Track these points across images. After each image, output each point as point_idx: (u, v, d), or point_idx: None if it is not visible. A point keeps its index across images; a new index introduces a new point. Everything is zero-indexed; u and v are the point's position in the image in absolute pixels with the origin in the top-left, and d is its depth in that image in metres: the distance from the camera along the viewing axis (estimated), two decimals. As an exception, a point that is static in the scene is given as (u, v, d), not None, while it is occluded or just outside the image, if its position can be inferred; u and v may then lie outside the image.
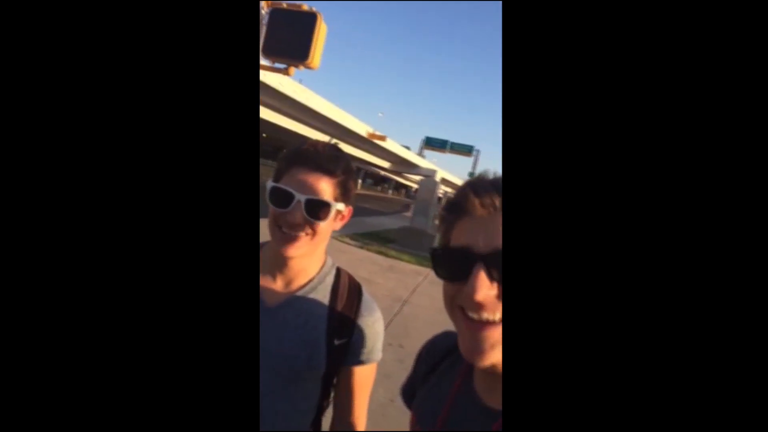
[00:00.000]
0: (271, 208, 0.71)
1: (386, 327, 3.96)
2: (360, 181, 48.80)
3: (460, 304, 0.42)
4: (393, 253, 8.45)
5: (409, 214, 18.37)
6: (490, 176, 0.46)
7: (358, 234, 9.88)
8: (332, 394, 0.81)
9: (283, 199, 0.69)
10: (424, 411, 0.54)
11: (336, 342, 0.74)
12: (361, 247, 8.31)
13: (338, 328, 0.75)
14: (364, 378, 0.79)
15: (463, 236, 0.44)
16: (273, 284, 0.76)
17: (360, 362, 0.77)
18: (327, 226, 0.72)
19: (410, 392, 0.64)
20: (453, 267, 0.43)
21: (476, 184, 0.45)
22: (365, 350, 0.77)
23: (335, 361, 0.75)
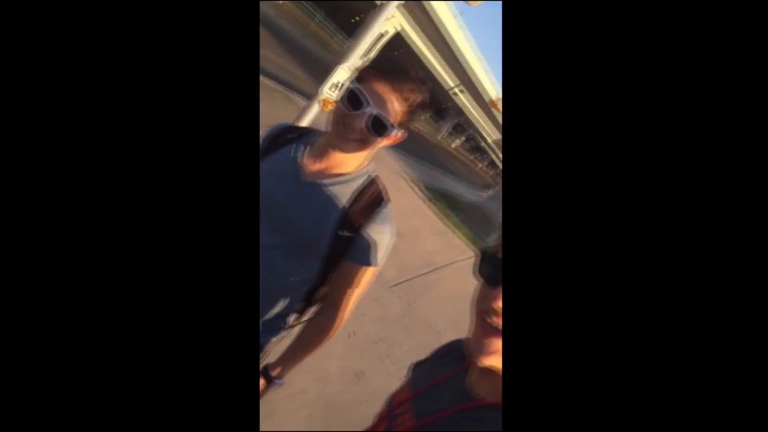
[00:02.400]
0: (342, 103, 0.75)
1: (405, 281, 4.08)
2: (461, 140, 47.09)
3: (485, 307, 0.45)
4: (452, 221, 8.26)
5: (485, 194, 17.62)
6: None
7: (430, 186, 9.72)
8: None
9: (355, 101, 0.74)
10: (419, 378, 0.61)
11: (340, 232, 0.81)
12: (426, 200, 8.21)
13: (347, 222, 0.81)
14: (357, 276, 0.84)
15: None
16: (312, 165, 0.83)
17: (356, 260, 0.83)
18: (380, 141, 0.79)
19: (417, 366, 0.70)
20: (495, 272, 0.45)
21: None
22: (364, 252, 0.82)
23: (336, 249, 0.82)
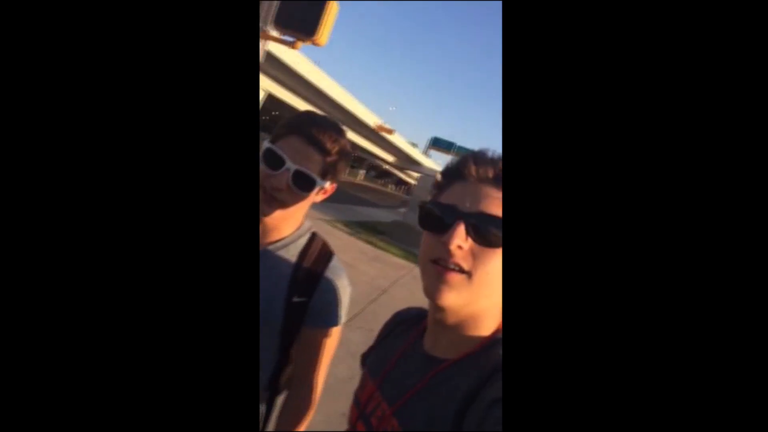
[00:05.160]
0: (262, 166, 0.74)
1: (360, 313, 4.12)
2: (362, 171, 48.60)
3: (435, 256, 0.47)
4: (381, 244, 8.52)
5: (403, 210, 18.41)
6: (490, 153, 0.52)
7: (350, 221, 9.93)
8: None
9: (274, 161, 0.73)
10: (375, 365, 0.60)
11: (294, 299, 0.76)
12: (351, 234, 8.37)
13: (298, 287, 0.77)
14: (321, 341, 0.80)
15: (452, 197, 0.50)
16: None
17: (318, 324, 0.79)
18: (309, 198, 0.76)
19: (368, 357, 0.69)
20: (437, 220, 0.48)
21: (477, 156, 0.51)
22: (324, 313, 0.78)
23: (292, 319, 0.77)
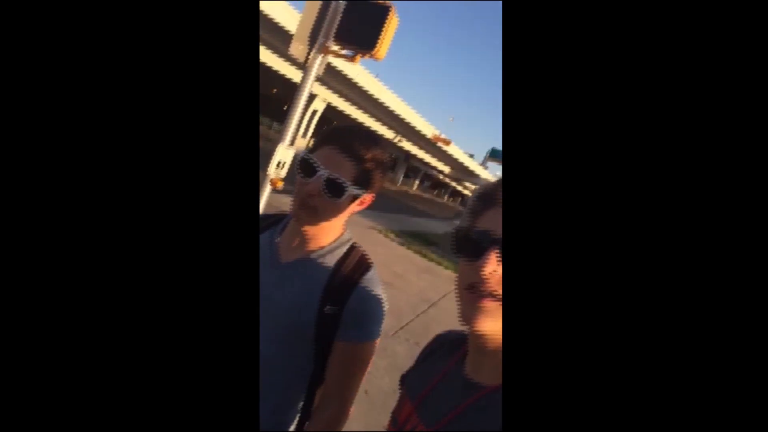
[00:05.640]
0: (299, 176, 0.77)
1: (407, 324, 4.07)
2: (417, 181, 48.65)
3: (469, 282, 0.48)
4: (433, 256, 8.40)
5: (457, 222, 18.00)
6: None
7: (402, 231, 9.94)
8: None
9: (308, 170, 0.76)
10: (414, 386, 0.59)
11: (327, 309, 0.76)
12: (403, 245, 8.36)
13: (331, 297, 0.76)
14: (353, 357, 0.79)
15: (487, 222, 0.50)
16: (288, 245, 0.82)
17: (350, 338, 0.77)
18: (342, 205, 0.77)
19: (407, 377, 0.68)
20: (471, 246, 0.49)
21: None
22: (355, 326, 0.77)
23: (324, 329, 0.76)
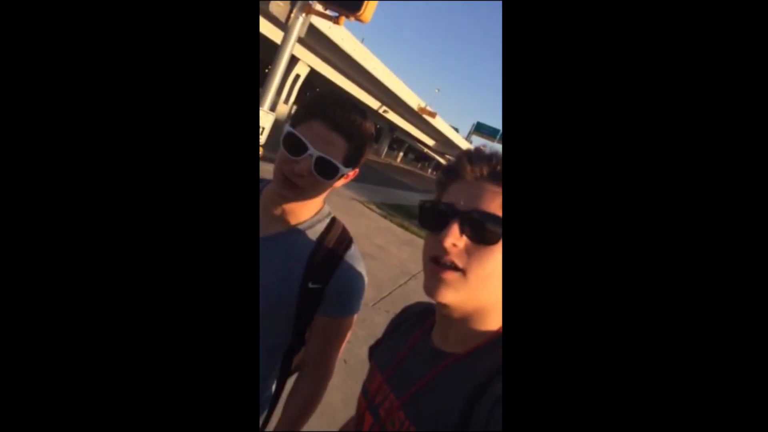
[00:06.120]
0: (282, 151, 0.71)
1: (387, 296, 4.14)
2: (401, 153, 48.35)
3: (432, 254, 0.49)
4: (414, 228, 8.47)
5: (441, 196, 18.12)
6: (486, 150, 0.51)
7: (384, 203, 9.94)
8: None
9: (296, 147, 0.70)
10: (383, 358, 0.60)
11: (310, 285, 0.75)
12: (385, 217, 8.38)
13: (314, 273, 0.76)
14: (335, 330, 0.80)
15: (451, 195, 0.50)
16: (265, 218, 0.78)
17: (332, 313, 0.78)
18: (329, 184, 0.74)
19: (375, 350, 0.69)
20: (435, 219, 0.50)
21: (471, 154, 0.51)
22: (338, 302, 0.77)
23: (307, 304, 0.76)
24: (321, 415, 2.09)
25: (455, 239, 0.46)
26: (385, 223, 7.85)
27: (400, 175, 26.97)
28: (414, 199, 15.32)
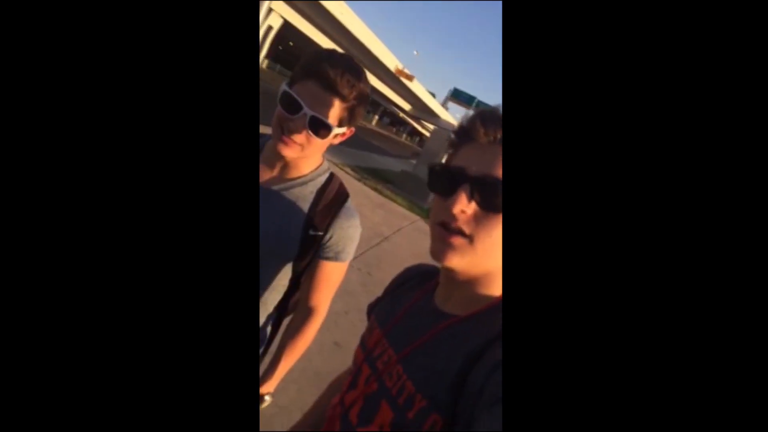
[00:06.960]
0: (280, 108, 0.74)
1: (360, 255, 4.24)
2: (376, 117, 47.38)
3: (440, 219, 0.48)
4: (388, 192, 8.53)
5: (413, 161, 18.20)
6: (500, 111, 0.48)
7: (359, 167, 9.87)
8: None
9: (291, 105, 0.73)
10: (383, 314, 0.60)
11: (310, 232, 0.81)
12: (359, 180, 8.36)
13: (314, 222, 0.81)
14: (330, 273, 0.86)
15: (461, 159, 0.49)
16: (266, 172, 0.83)
17: (329, 257, 0.84)
18: (324, 141, 0.77)
19: (374, 307, 0.69)
20: (444, 183, 0.48)
21: (485, 115, 0.48)
22: (336, 248, 0.84)
23: (306, 250, 0.82)
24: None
25: (464, 206, 0.45)
26: (359, 186, 7.85)
27: (374, 139, 26.54)
28: (388, 163, 15.26)
